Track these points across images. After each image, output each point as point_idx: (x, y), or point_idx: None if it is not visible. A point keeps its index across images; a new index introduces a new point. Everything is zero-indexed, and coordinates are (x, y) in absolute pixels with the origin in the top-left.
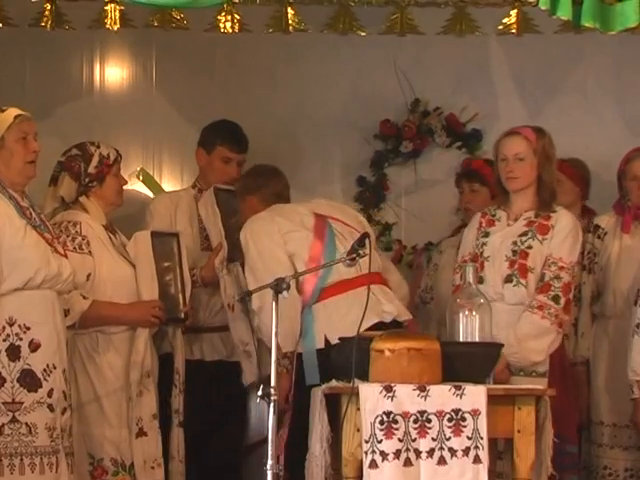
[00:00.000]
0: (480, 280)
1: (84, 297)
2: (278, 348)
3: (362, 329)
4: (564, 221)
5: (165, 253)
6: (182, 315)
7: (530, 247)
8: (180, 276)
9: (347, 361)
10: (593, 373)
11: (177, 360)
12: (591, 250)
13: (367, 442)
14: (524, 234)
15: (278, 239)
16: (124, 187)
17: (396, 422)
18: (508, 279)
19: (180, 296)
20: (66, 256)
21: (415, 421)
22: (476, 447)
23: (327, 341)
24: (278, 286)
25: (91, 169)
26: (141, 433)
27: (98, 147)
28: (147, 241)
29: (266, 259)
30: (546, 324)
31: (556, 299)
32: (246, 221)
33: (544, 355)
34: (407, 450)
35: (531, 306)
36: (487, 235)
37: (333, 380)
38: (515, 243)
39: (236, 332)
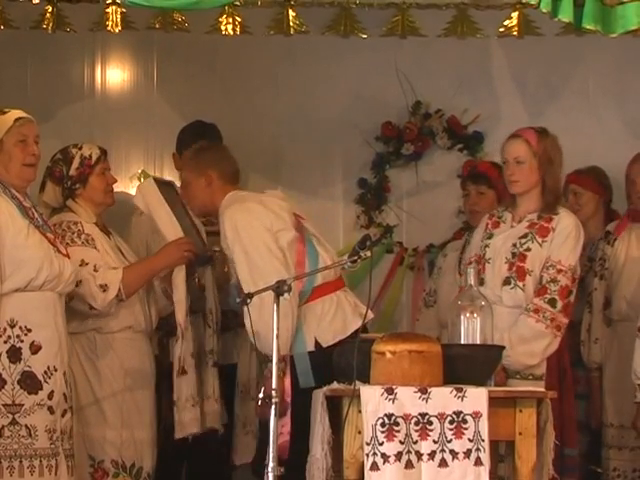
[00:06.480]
0: (480, 282)
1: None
2: (279, 350)
3: (349, 332)
4: (564, 223)
5: (171, 199)
6: (209, 253)
7: (529, 249)
8: (191, 219)
9: (348, 363)
10: (604, 376)
11: (209, 301)
12: (602, 256)
13: (368, 444)
14: (524, 236)
15: (271, 236)
16: (116, 186)
17: (397, 424)
18: (506, 281)
19: (198, 238)
20: (68, 256)
21: (416, 423)
22: (477, 449)
23: (317, 343)
24: (279, 288)
25: (72, 171)
26: (182, 371)
27: (80, 148)
28: (154, 188)
29: (265, 255)
30: (541, 328)
31: (552, 302)
32: (197, 205)
33: (538, 359)
34: (408, 452)
35: (527, 309)
36: (491, 237)
37: (334, 382)
38: (515, 245)
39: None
